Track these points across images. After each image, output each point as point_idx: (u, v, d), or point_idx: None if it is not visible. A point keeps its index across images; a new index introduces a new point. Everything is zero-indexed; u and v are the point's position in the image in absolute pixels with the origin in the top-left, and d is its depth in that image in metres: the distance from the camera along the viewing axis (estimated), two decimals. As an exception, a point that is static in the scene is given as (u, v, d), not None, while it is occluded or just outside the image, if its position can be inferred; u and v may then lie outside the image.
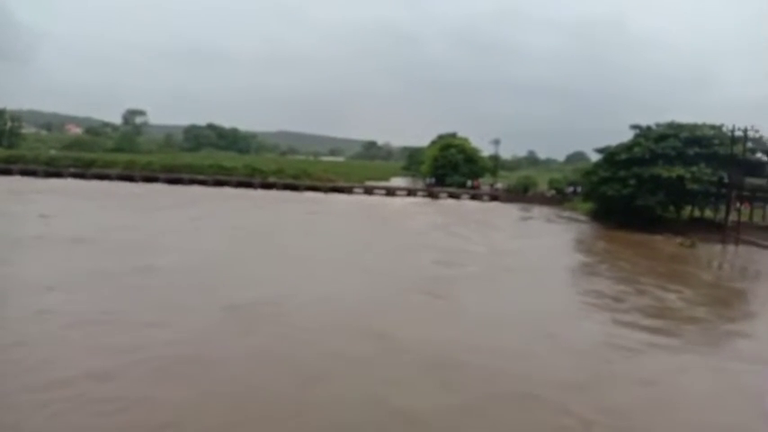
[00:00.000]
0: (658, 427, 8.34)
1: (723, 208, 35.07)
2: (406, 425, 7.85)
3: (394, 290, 15.44)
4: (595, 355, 11.28)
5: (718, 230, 32.82)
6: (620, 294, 16.72)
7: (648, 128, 38.71)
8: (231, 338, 10.68)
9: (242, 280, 15.58)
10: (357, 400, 8.44)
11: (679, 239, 29.99)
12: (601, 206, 39.52)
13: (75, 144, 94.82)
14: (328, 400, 8.36)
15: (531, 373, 9.87)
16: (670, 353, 11.69)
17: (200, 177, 52.26)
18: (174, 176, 52.35)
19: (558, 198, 51.02)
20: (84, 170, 53.75)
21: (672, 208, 37.75)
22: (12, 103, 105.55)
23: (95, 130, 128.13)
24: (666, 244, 29.47)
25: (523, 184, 53.94)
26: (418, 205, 45.09)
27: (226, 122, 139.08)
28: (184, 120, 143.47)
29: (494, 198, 52.62)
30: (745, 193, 35.64)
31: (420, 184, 62.72)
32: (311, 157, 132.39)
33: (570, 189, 51.18)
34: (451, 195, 53.04)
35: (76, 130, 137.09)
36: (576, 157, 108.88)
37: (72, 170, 53.52)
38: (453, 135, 76.26)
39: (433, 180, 61.16)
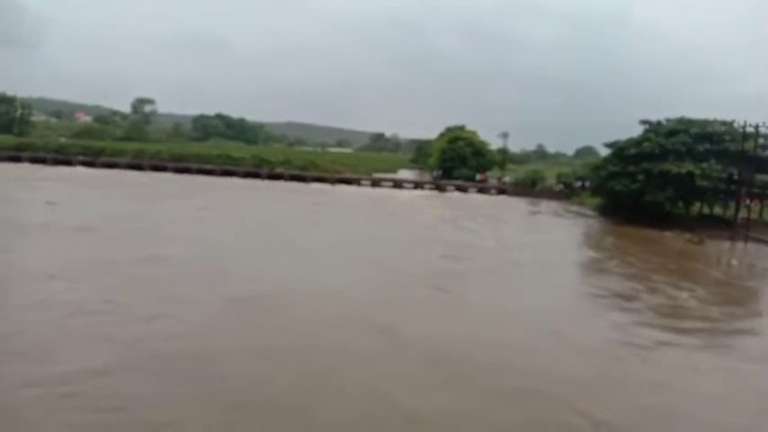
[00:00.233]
0: (669, 429, 8.26)
1: (733, 205, 34.75)
2: (408, 422, 7.80)
3: (401, 284, 15.38)
4: (606, 353, 11.18)
5: (728, 227, 32.54)
6: (631, 292, 16.51)
7: (658, 123, 38.36)
8: (233, 332, 10.63)
9: (246, 272, 15.54)
10: (360, 396, 8.42)
11: (687, 236, 29.78)
12: (609, 201, 39.28)
13: (85, 132, 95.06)
14: (331, 396, 8.32)
15: (538, 372, 9.77)
16: (682, 352, 11.57)
17: (208, 167, 52.32)
18: (182, 166, 52.47)
19: (565, 192, 50.75)
20: (93, 158, 53.95)
21: (681, 204, 37.46)
22: (22, 91, 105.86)
23: (105, 118, 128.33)
24: (676, 240, 29.25)
25: (531, 178, 53.65)
26: (425, 198, 44.99)
27: (234, 113, 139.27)
28: (193, 109, 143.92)
29: (501, 192, 52.39)
30: (756, 190, 35.28)
31: (427, 177, 62.51)
32: (319, 149, 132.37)
33: (578, 184, 50.90)
34: (459, 188, 52.86)
35: (86, 119, 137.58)
36: (586, 151, 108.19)
37: (81, 158, 53.70)
38: (462, 128, 75.97)
39: (440, 173, 60.93)
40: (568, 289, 17.19)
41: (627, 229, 32.42)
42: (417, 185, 54.33)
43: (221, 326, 10.95)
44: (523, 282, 17.48)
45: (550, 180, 54.04)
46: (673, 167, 33.88)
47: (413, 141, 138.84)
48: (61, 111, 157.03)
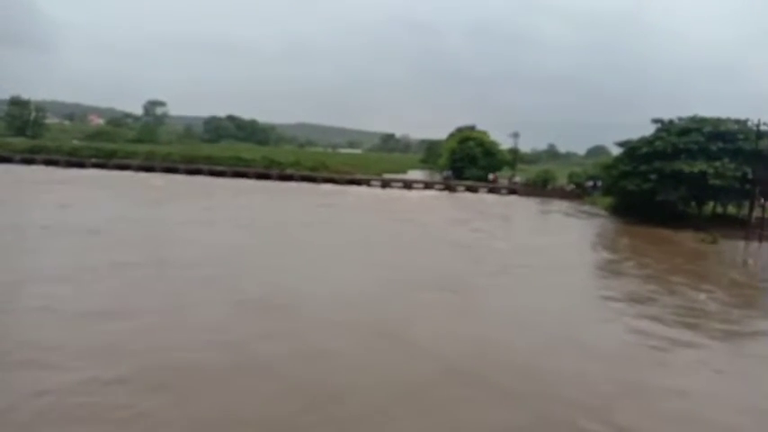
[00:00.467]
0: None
1: (747, 204, 34.34)
2: None
3: (412, 288, 15.08)
4: (626, 357, 10.97)
5: (742, 227, 32.16)
6: (649, 294, 16.18)
7: (671, 122, 37.99)
8: (233, 346, 10.01)
9: (255, 277, 15.34)
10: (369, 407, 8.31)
11: (701, 236, 29.47)
12: (621, 201, 38.99)
13: (97, 134, 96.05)
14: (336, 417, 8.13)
15: (558, 380, 9.49)
16: (704, 356, 11.35)
17: (219, 169, 52.55)
18: (193, 167, 52.71)
19: (577, 192, 50.46)
20: (106, 160, 54.34)
21: (694, 204, 37.09)
22: (36, 94, 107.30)
23: (117, 120, 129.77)
24: (690, 240, 28.93)
25: (543, 178, 53.40)
26: (436, 199, 44.89)
27: (245, 114, 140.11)
28: (204, 111, 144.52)
29: (512, 192, 52.17)
30: (770, 190, 34.84)
31: (437, 178, 62.39)
32: (329, 150, 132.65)
33: (590, 183, 50.61)
34: (469, 189, 52.71)
35: (98, 121, 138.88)
36: (597, 150, 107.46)
37: (94, 160, 54.13)
38: (472, 128, 75.86)
39: (450, 173, 60.79)
40: (585, 291, 16.79)
41: (639, 228, 32.16)
42: (427, 186, 54.23)
43: (225, 335, 10.52)
44: (538, 284, 17.06)
45: (561, 180, 53.74)
46: (685, 167, 33.56)
47: (423, 142, 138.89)
48: (74, 113, 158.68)
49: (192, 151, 62.33)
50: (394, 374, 9.38)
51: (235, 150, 68.38)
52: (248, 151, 67.47)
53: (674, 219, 34.02)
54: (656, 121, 38.78)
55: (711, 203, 38.00)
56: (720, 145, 34.18)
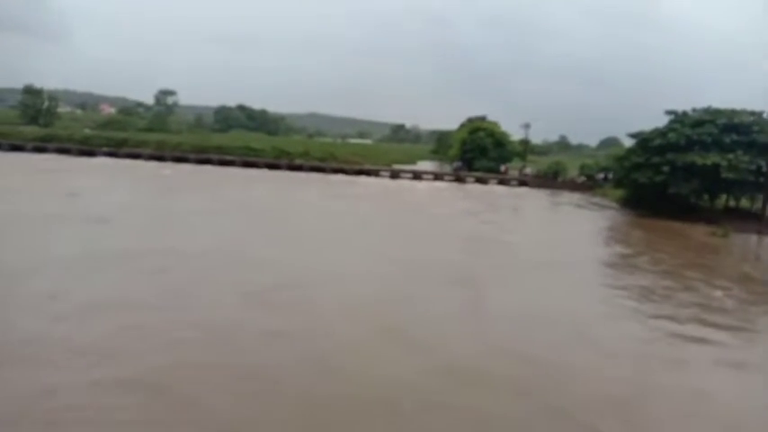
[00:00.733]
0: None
1: (760, 198, 33.93)
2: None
3: (423, 283, 14.94)
4: (645, 357, 10.75)
5: (756, 221, 31.81)
6: (666, 291, 15.89)
7: (684, 113, 37.51)
8: (235, 347, 9.77)
9: (262, 269, 15.19)
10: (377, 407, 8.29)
11: (713, 229, 29.18)
12: (632, 193, 38.65)
13: (109, 123, 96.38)
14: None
15: (572, 382, 9.31)
16: (725, 355, 11.21)
17: (229, 158, 52.63)
18: (203, 157, 52.82)
19: (588, 184, 50.12)
20: (117, 149, 54.55)
21: (706, 196, 36.69)
22: (49, 83, 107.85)
23: (128, 109, 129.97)
24: (702, 234, 28.64)
25: (554, 170, 53.03)
26: (446, 190, 44.73)
27: (256, 104, 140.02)
28: (215, 101, 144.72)
29: (523, 183, 51.88)
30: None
31: (447, 169, 62.13)
32: (339, 140, 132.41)
33: (601, 175, 50.21)
34: (479, 180, 52.46)
35: (110, 110, 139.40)
36: (609, 142, 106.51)
37: (105, 149, 54.37)
38: (483, 118, 75.28)
39: (461, 164, 60.49)
40: (601, 287, 16.31)
41: (651, 221, 31.88)
42: (437, 177, 54.01)
43: (228, 333, 10.40)
44: (552, 279, 16.71)
45: (573, 172, 53.34)
46: (698, 159, 33.18)
47: (433, 132, 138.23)
48: (86, 102, 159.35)
49: (202, 141, 62.36)
50: (402, 372, 9.35)
51: (245, 140, 68.33)
52: (258, 141, 67.43)
53: (685, 211, 33.69)
54: (669, 112, 38.33)
55: (724, 196, 37.59)
56: (734, 137, 33.73)
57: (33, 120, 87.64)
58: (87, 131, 71.53)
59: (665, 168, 34.17)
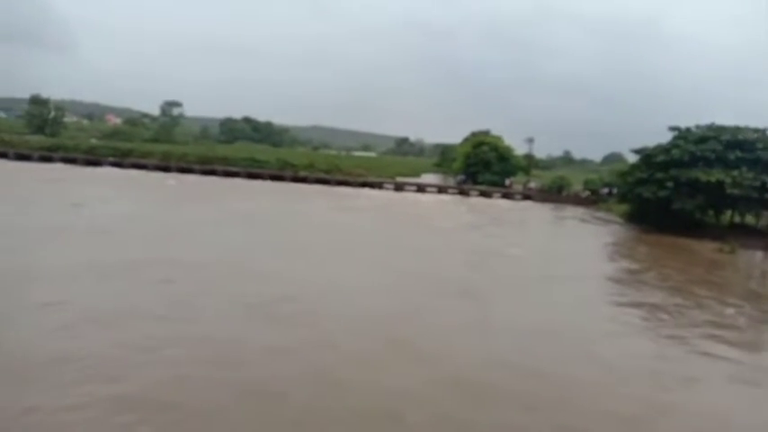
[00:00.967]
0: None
1: (766, 214, 33.86)
2: None
3: (428, 295, 14.79)
4: (657, 377, 10.48)
5: (761, 237, 31.74)
6: (676, 308, 15.65)
7: (688, 129, 37.59)
8: (239, 359, 9.65)
9: (268, 280, 15.14)
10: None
11: (719, 245, 29.11)
12: (636, 208, 38.64)
13: (115, 134, 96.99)
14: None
15: (580, 398, 9.16)
16: (740, 374, 11.02)
17: (234, 169, 52.81)
18: (208, 168, 53.02)
19: (592, 199, 50.15)
20: (122, 159, 54.77)
21: (711, 212, 36.63)
22: (55, 93, 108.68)
23: (134, 120, 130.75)
24: (708, 250, 28.57)
25: (558, 185, 53.10)
26: (449, 203, 44.76)
27: (261, 116, 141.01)
28: (220, 112, 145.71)
29: (526, 197, 51.92)
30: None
31: (451, 182, 62.22)
32: (343, 152, 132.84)
33: (605, 190, 50.25)
34: (483, 194, 52.50)
35: (116, 121, 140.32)
36: (613, 157, 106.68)
37: (110, 159, 54.59)
38: (486, 132, 75.44)
39: (464, 177, 60.55)
40: (609, 303, 16.04)
41: (656, 237, 31.84)
42: (441, 190, 54.10)
43: (224, 353, 10.11)
44: (558, 293, 16.51)
45: (577, 186, 53.40)
46: (702, 175, 33.19)
47: (437, 146, 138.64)
48: (92, 113, 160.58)
49: (207, 152, 62.65)
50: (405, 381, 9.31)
51: (249, 152, 68.63)
52: (263, 153, 67.73)
53: (691, 227, 33.65)
54: (673, 128, 38.41)
55: (729, 212, 37.53)
56: (738, 154, 33.77)
57: (40, 129, 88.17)
58: (93, 141, 71.90)
59: (669, 184, 34.19)
